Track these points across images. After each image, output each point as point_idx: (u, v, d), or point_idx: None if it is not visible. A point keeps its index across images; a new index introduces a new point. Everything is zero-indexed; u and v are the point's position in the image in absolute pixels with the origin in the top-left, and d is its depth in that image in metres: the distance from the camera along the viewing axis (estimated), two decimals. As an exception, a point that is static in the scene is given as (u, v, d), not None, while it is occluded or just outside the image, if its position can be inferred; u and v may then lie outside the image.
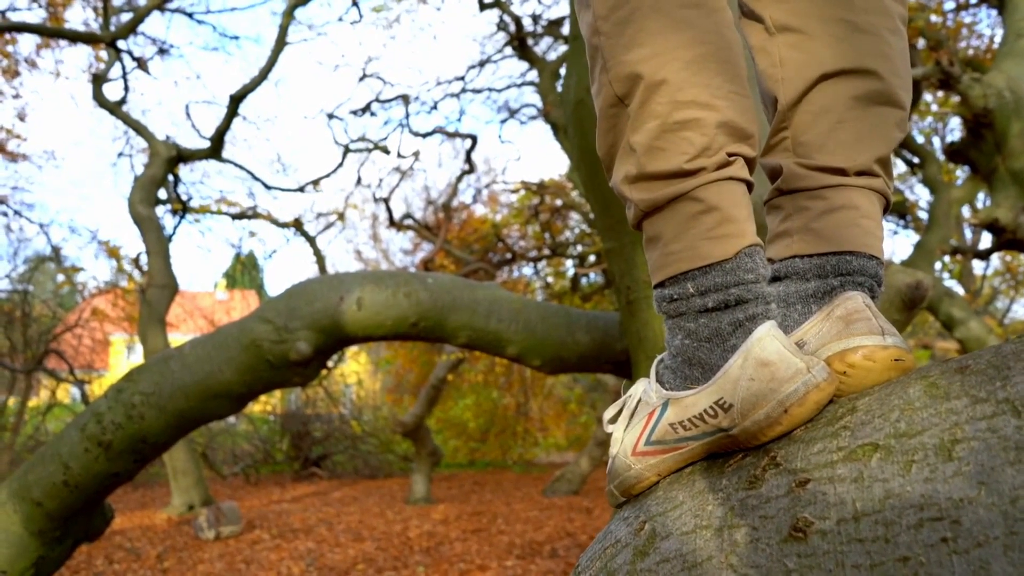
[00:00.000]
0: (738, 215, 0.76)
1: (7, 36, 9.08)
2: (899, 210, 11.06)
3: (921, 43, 7.13)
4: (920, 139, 10.24)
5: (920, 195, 12.32)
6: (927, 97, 8.86)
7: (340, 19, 10.46)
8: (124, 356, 20.43)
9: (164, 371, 2.80)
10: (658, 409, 0.80)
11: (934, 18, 7.63)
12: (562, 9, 9.69)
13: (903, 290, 2.30)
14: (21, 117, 10.68)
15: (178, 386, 2.78)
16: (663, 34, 0.77)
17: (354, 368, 17.08)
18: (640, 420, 0.83)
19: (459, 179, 11.22)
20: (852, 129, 0.86)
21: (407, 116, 10.78)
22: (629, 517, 0.83)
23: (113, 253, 9.91)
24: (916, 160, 8.12)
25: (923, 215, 10.75)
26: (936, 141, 11.31)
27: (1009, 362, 0.60)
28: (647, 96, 0.77)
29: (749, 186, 0.79)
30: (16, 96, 10.33)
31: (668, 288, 0.78)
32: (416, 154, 11.36)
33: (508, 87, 10.88)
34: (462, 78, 10.66)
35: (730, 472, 0.74)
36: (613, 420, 0.89)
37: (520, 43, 9.16)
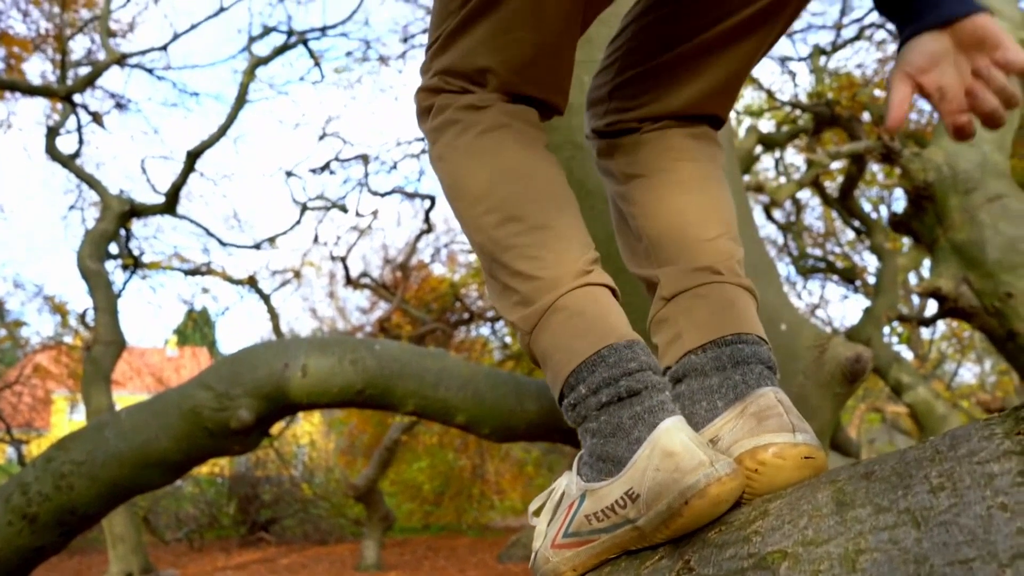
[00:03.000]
0: (604, 313, 0.82)
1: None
2: (848, 275, 11.33)
3: (866, 116, 7.42)
4: (868, 207, 10.57)
5: (869, 261, 12.65)
6: (874, 167, 9.19)
7: (301, 79, 10.55)
8: (67, 415, 19.75)
9: (98, 439, 2.70)
10: (577, 501, 0.81)
11: (878, 92, 7.95)
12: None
13: (844, 363, 2.33)
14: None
15: (112, 454, 2.68)
16: (494, 187, 0.89)
17: (307, 428, 16.73)
18: (562, 513, 0.84)
19: (417, 238, 11.23)
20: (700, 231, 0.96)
21: (366, 175, 10.81)
22: (548, 618, 0.81)
23: (59, 308, 9.66)
24: (864, 228, 8.36)
25: (871, 279, 11.01)
26: (883, 210, 11.68)
27: (911, 470, 0.60)
28: (499, 236, 0.87)
29: (614, 292, 0.86)
30: (-34, 147, 10.17)
31: (567, 397, 0.81)
32: (375, 213, 11.37)
33: (468, 149, 10.98)
34: (422, 139, 10.77)
35: (646, 575, 0.73)
36: (537, 513, 0.89)
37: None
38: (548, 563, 0.84)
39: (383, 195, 10.96)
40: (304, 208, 11.12)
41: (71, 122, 8.99)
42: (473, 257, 12.36)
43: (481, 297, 11.99)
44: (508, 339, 12.40)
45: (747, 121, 8.93)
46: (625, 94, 1.02)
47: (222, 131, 8.89)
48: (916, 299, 12.81)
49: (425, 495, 14.07)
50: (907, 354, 12.28)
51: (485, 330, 12.21)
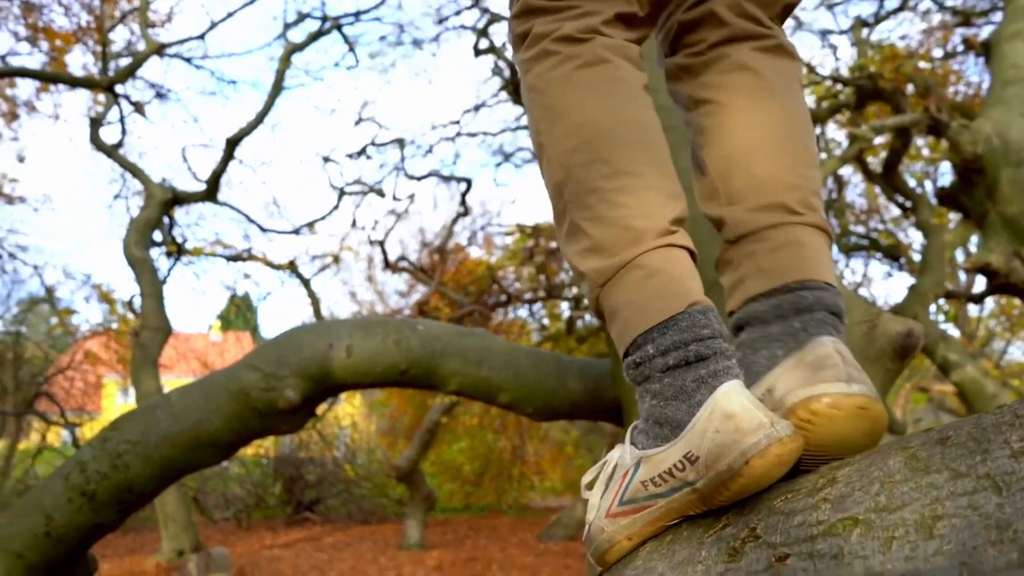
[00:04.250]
0: (682, 276, 0.79)
1: (7, 80, 9.17)
2: (892, 253, 11.10)
3: (910, 88, 7.22)
4: (912, 182, 10.31)
5: (914, 238, 12.37)
6: (919, 142, 8.95)
7: (336, 64, 10.62)
8: (117, 398, 20.24)
9: (150, 419, 2.76)
10: (631, 469, 0.80)
11: (923, 64, 7.74)
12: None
13: (895, 339, 2.28)
14: (20, 159, 10.74)
15: (164, 435, 2.74)
16: (587, 123, 0.86)
17: (348, 410, 16.94)
18: (615, 483, 0.83)
19: (454, 222, 11.25)
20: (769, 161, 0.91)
21: (402, 159, 10.84)
22: (609, 587, 0.80)
23: (106, 297, 9.87)
24: (908, 204, 8.17)
25: (917, 256, 10.77)
26: (928, 185, 11.39)
27: (989, 435, 0.59)
28: (584, 175, 0.84)
29: (693, 255, 0.83)
30: (15, 139, 10.40)
31: (632, 355, 0.80)
32: (411, 197, 11.41)
33: (503, 131, 10.96)
34: (457, 122, 10.75)
35: (709, 543, 0.72)
36: (590, 486, 0.88)
37: (514, 88, 9.27)
38: (603, 533, 0.83)
39: (419, 179, 10.99)
40: (342, 193, 11.20)
41: (114, 113, 9.17)
42: (509, 240, 12.36)
43: (518, 279, 11.99)
44: (546, 321, 12.39)
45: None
46: None
47: (260, 118, 8.97)
48: (963, 276, 12.50)
49: (466, 476, 14.18)
50: (954, 332, 12.01)
51: (523, 312, 12.21)
